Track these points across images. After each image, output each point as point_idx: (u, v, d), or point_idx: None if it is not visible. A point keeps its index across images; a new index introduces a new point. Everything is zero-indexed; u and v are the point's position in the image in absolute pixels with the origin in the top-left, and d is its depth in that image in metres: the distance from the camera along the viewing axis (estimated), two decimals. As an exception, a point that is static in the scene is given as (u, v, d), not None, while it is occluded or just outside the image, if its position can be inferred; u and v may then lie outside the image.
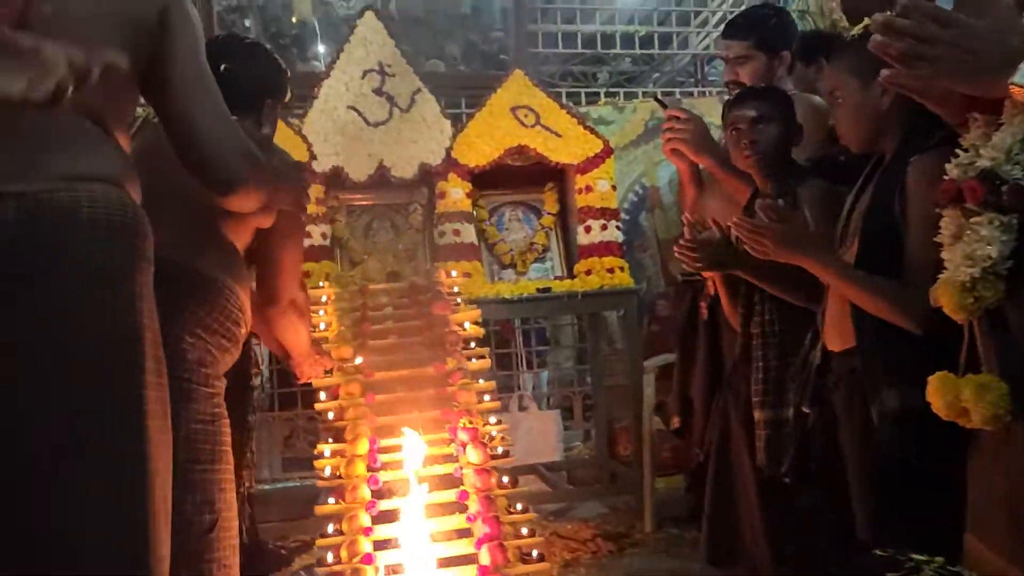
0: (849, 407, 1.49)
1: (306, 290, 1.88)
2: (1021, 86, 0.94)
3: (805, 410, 1.61)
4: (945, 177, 1.09)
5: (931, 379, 1.09)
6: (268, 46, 2.18)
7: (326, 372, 2.21)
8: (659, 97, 2.47)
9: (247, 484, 1.71)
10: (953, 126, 1.15)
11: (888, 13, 0.98)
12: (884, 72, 1.00)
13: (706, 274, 2.11)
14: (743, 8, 4.63)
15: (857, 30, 1.49)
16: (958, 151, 1.08)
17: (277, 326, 1.83)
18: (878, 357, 1.39)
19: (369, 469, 2.01)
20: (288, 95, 1.92)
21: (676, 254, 1.93)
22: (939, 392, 1.07)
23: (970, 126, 1.07)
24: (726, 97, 3.58)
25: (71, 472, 0.97)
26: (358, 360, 2.27)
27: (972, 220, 1.01)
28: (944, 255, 1.08)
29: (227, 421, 1.53)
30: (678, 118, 2.26)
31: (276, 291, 1.74)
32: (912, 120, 1.43)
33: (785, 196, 1.79)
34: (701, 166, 2.37)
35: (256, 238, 1.67)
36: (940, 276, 1.08)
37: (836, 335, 1.54)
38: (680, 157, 2.33)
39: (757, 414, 1.82)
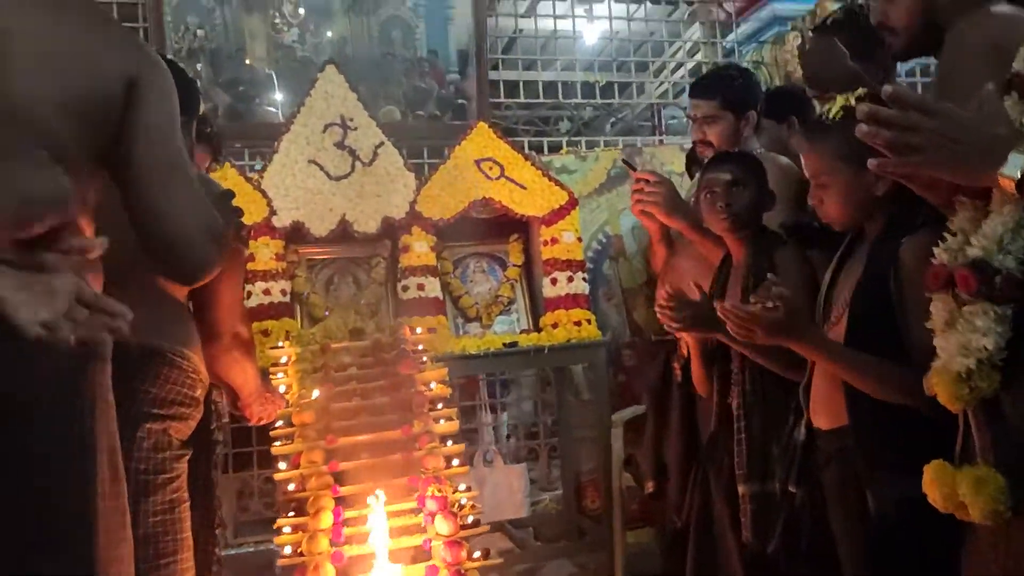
0: (841, 487, 1.46)
1: (248, 325, 1.78)
2: (1008, 177, 0.93)
3: (792, 489, 1.57)
4: (933, 260, 1.08)
5: (927, 469, 1.07)
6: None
7: (278, 417, 2.11)
8: (626, 159, 2.48)
9: (219, 552, 1.61)
10: (939, 208, 1.15)
11: (868, 105, 0.98)
12: (872, 161, 0.98)
13: (679, 335, 2.09)
14: (698, 58, 4.77)
15: (835, 111, 1.49)
16: (946, 234, 1.07)
17: (221, 364, 1.72)
18: (874, 440, 1.37)
19: (332, 544, 1.92)
20: (200, 109, 1.82)
21: (656, 311, 1.90)
22: (935, 483, 1.04)
23: (957, 209, 1.07)
24: (686, 147, 3.63)
25: None
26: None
27: (965, 308, 1.00)
28: (937, 343, 1.06)
29: (187, 504, 1.46)
30: (647, 180, 2.26)
31: (217, 326, 1.64)
32: (898, 200, 1.43)
33: (760, 262, 1.78)
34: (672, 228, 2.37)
35: None
36: (933, 364, 1.07)
37: (824, 412, 1.52)
38: (651, 218, 2.32)
39: (742, 488, 1.78)
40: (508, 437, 4.30)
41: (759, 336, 1.49)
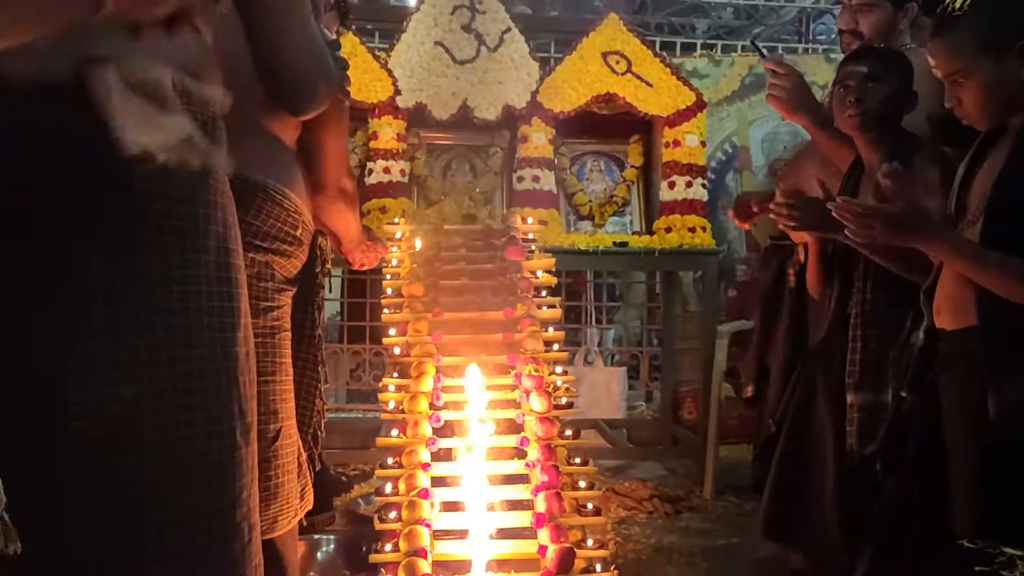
0: (961, 391, 1.38)
1: (353, 179, 1.84)
2: None
3: (903, 395, 1.50)
4: None
5: None
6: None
7: (381, 261, 2.22)
8: (756, 42, 2.29)
9: (322, 387, 1.72)
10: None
11: None
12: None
13: (798, 239, 1.99)
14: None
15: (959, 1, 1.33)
16: None
17: (326, 214, 1.79)
18: (1003, 341, 1.28)
19: (431, 407, 2.02)
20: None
21: (772, 209, 1.81)
22: None
23: None
24: (833, 56, 3.37)
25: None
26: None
27: None
28: None
29: (288, 333, 1.53)
30: (774, 71, 2.11)
31: (323, 179, 1.70)
32: None
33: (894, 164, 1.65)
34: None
35: (302, 129, 1.63)
36: None
37: (950, 312, 1.43)
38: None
39: (851, 396, 1.71)
40: (613, 341, 4.32)
41: (880, 235, 1.40)
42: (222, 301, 1.01)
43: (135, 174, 0.90)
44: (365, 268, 2.13)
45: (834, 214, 1.45)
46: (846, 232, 1.46)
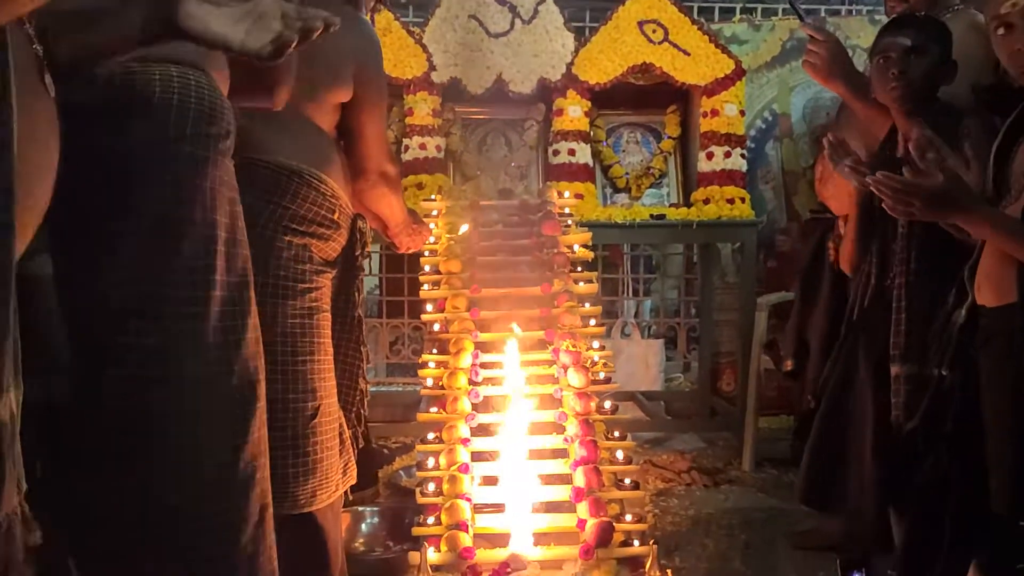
0: (1001, 368, 1.36)
1: (395, 163, 1.86)
2: None
3: (944, 372, 1.48)
4: None
5: None
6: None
7: (427, 245, 2.23)
8: (795, 4, 2.21)
9: (364, 367, 1.76)
10: None
11: None
12: None
13: (838, 211, 1.96)
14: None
15: None
16: None
17: (368, 198, 1.81)
18: None
19: (470, 383, 2.05)
20: None
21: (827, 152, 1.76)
22: None
23: None
24: (877, 18, 3.26)
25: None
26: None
27: None
28: None
29: (327, 314, 1.57)
30: (812, 36, 2.06)
31: (363, 163, 1.71)
32: None
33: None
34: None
35: (340, 114, 1.65)
36: None
37: (992, 289, 1.40)
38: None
39: (895, 368, 1.69)
40: (650, 312, 4.31)
41: (919, 211, 1.37)
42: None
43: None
44: (411, 251, 2.14)
45: (872, 189, 1.42)
46: (884, 206, 1.43)
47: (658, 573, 1.52)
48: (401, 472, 2.66)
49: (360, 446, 1.72)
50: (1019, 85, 1.45)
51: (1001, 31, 1.40)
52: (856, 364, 1.92)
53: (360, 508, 2.28)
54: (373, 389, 3.40)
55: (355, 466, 1.64)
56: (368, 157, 1.70)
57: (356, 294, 1.72)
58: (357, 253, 1.69)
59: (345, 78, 1.59)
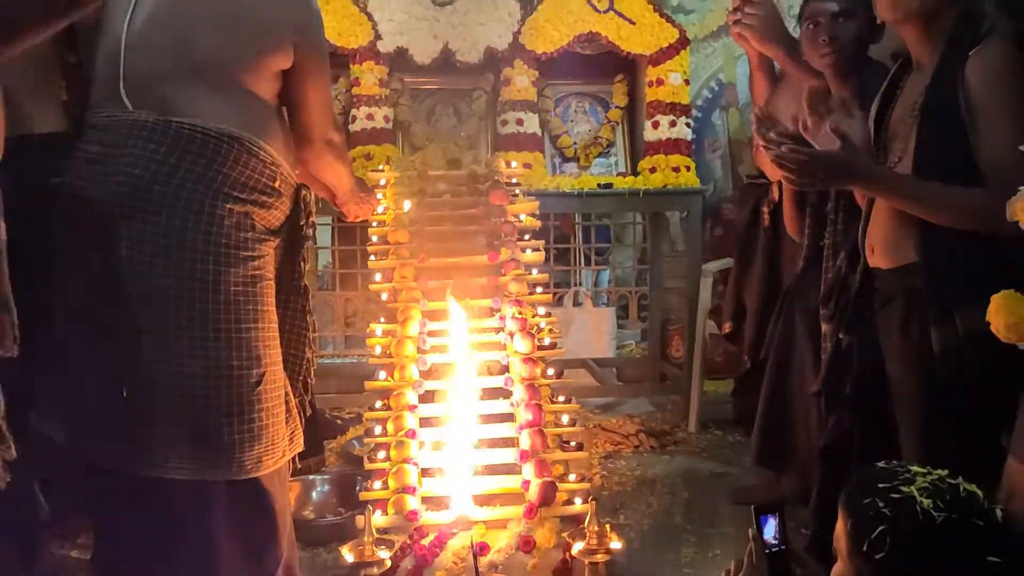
0: (902, 329, 1.41)
1: (340, 132, 1.86)
2: None
3: (841, 336, 1.55)
4: None
5: (995, 297, 1.04)
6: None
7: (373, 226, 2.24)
8: None
9: (310, 336, 1.77)
10: None
11: None
12: None
13: (773, 177, 2.02)
14: None
15: None
16: None
17: (315, 167, 1.82)
18: (947, 275, 1.31)
19: (418, 350, 2.07)
20: None
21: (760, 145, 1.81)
22: (1002, 312, 1.02)
23: None
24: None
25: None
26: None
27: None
28: None
29: (271, 283, 1.57)
30: (749, 1, 2.10)
31: (308, 131, 1.71)
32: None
33: (865, 99, 1.66)
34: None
35: (283, 82, 1.64)
36: (1021, 189, 1.01)
37: (887, 251, 1.45)
38: (747, 43, 2.18)
39: (825, 326, 1.76)
40: (606, 285, 4.36)
41: (820, 181, 1.42)
42: None
43: None
44: (359, 220, 2.15)
45: (773, 161, 1.45)
46: (786, 178, 1.48)
47: (596, 528, 1.58)
48: (354, 441, 2.68)
49: (307, 415, 1.74)
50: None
51: None
52: (794, 326, 1.99)
53: (310, 477, 2.30)
54: (328, 361, 3.43)
55: (301, 434, 1.66)
56: (312, 125, 1.70)
57: (302, 263, 1.73)
58: (302, 223, 1.69)
59: (283, 45, 1.58)
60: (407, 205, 2.36)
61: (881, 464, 1.03)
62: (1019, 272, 1.07)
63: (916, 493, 0.95)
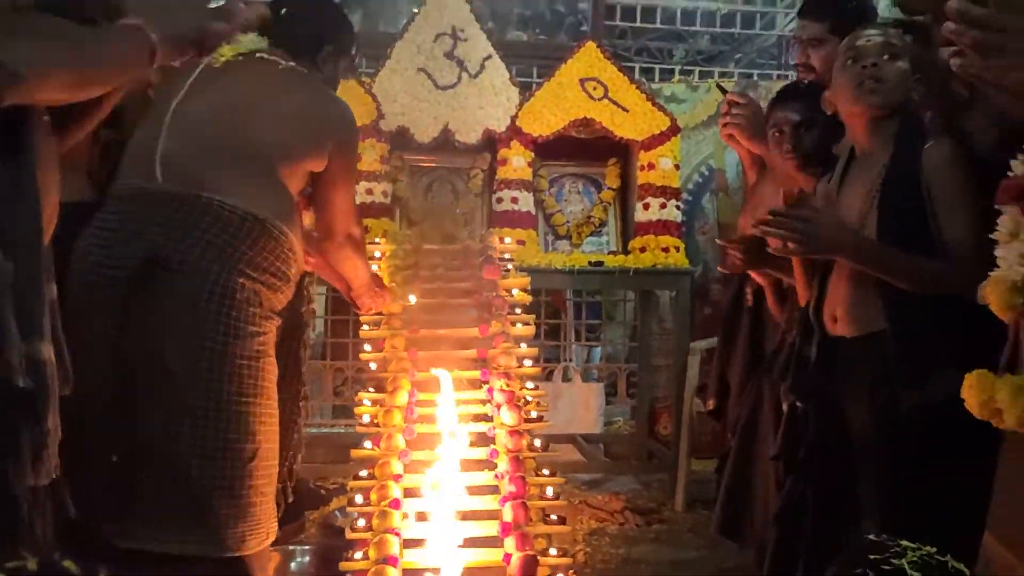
0: (870, 395, 1.47)
1: (361, 227, 2.03)
2: None
3: (799, 404, 1.60)
4: (1009, 174, 1.08)
5: (968, 377, 1.08)
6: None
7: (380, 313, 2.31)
8: (720, 83, 2.45)
9: (302, 423, 1.82)
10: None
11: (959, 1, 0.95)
12: (956, 60, 0.97)
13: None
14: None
15: None
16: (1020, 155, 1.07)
17: (335, 259, 1.98)
18: (917, 340, 1.38)
19: (405, 420, 2.09)
20: (353, 52, 1.98)
21: (729, 251, 1.95)
22: (974, 390, 1.06)
23: None
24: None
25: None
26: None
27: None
28: (998, 252, 1.09)
29: (272, 360, 1.61)
30: (736, 103, 2.24)
31: (332, 226, 1.88)
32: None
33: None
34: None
35: (311, 182, 1.79)
36: (991, 274, 1.08)
37: (851, 320, 1.52)
38: (737, 142, 2.30)
39: (784, 401, 1.81)
40: (597, 361, 4.40)
41: (806, 249, 1.51)
42: None
43: None
44: (372, 313, 2.24)
45: (763, 229, 1.55)
46: (771, 249, 1.58)
47: (576, 603, 1.57)
48: (336, 512, 2.66)
49: (288, 502, 1.76)
50: None
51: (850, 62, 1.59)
52: (761, 401, 2.04)
53: (291, 547, 2.28)
54: (316, 431, 3.42)
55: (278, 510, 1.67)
56: (335, 222, 1.87)
57: (301, 350, 1.80)
58: (302, 309, 1.77)
59: (323, 152, 1.74)
60: (412, 299, 2.41)
61: (871, 536, 1.05)
62: (988, 330, 1.13)
63: (906, 566, 0.98)
